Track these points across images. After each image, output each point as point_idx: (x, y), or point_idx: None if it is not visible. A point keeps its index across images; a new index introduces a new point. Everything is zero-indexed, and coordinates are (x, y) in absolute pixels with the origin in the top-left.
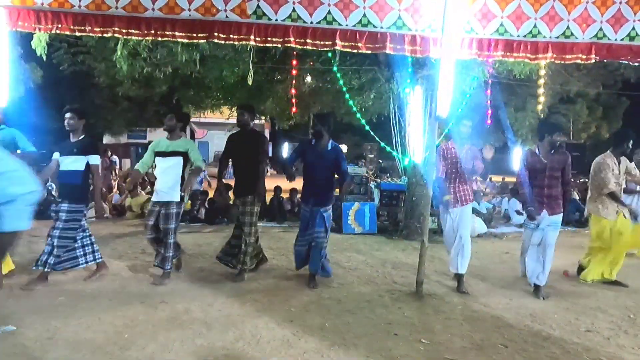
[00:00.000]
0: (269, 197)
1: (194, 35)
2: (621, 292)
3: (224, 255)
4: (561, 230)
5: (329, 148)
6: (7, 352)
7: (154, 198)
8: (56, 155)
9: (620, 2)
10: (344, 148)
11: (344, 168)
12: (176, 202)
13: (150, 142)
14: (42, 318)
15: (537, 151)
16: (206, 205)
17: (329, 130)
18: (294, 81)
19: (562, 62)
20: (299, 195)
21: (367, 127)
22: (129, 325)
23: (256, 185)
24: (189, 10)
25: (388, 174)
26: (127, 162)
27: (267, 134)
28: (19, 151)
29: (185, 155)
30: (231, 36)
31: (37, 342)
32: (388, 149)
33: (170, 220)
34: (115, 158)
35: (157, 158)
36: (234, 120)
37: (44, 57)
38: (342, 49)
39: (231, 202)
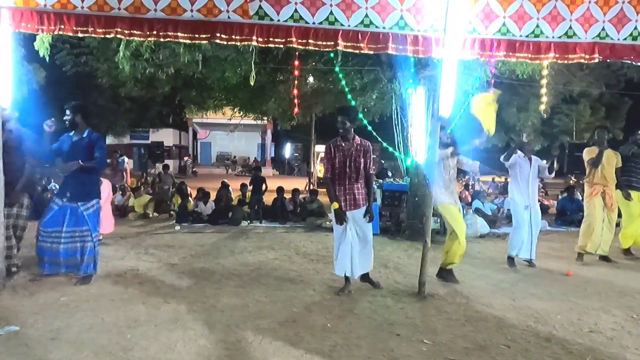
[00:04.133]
0: (271, 197)
1: (196, 36)
2: (625, 292)
3: None
4: (565, 230)
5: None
6: (10, 352)
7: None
8: None
9: (623, 2)
10: None
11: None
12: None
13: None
14: (45, 318)
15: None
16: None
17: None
18: (296, 82)
19: (565, 62)
20: (301, 196)
21: (370, 128)
22: (131, 326)
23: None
24: (191, 11)
25: (391, 174)
26: (129, 163)
27: (269, 134)
28: None
29: None
30: (233, 37)
31: (40, 343)
32: (390, 149)
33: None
34: (124, 159)
35: None
36: (236, 121)
37: (47, 58)
38: (345, 50)
39: (233, 203)
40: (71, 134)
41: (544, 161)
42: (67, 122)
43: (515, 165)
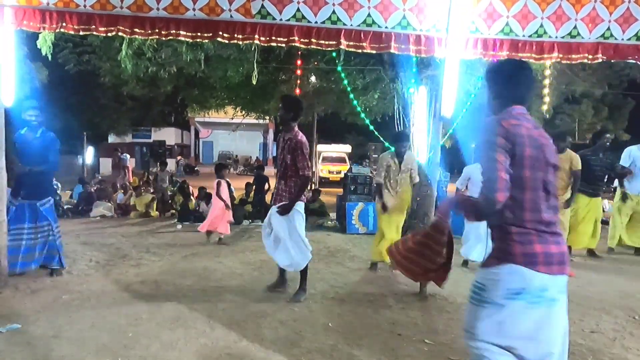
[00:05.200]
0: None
1: (199, 34)
2: (627, 293)
3: None
4: None
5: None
6: (12, 349)
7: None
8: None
9: (629, 2)
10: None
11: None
12: None
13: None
14: (47, 316)
15: None
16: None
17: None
18: (298, 81)
19: (568, 62)
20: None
21: (371, 127)
22: (133, 324)
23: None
24: (194, 10)
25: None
26: (132, 162)
27: (271, 133)
28: None
29: None
30: (236, 36)
31: (41, 340)
32: (392, 149)
33: None
34: (126, 156)
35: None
36: (237, 120)
37: (50, 57)
38: (347, 49)
39: (235, 203)
40: (23, 131)
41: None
42: (32, 121)
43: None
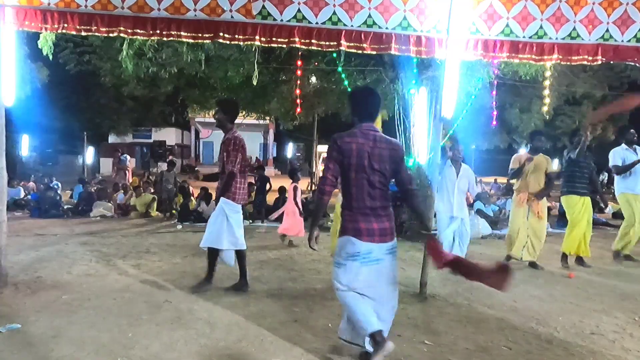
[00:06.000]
0: (273, 197)
1: (200, 35)
2: (627, 294)
3: None
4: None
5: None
6: (11, 350)
7: None
8: None
9: (627, 4)
10: None
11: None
12: None
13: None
14: (47, 316)
15: None
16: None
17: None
18: (298, 81)
19: (568, 63)
20: (303, 196)
21: None
22: (132, 324)
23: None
24: (195, 10)
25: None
26: (132, 162)
27: (271, 134)
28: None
29: None
30: (236, 36)
31: (41, 340)
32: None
33: None
34: (126, 157)
35: None
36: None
37: (50, 57)
38: (347, 50)
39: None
40: None
41: (474, 176)
42: None
43: (442, 174)
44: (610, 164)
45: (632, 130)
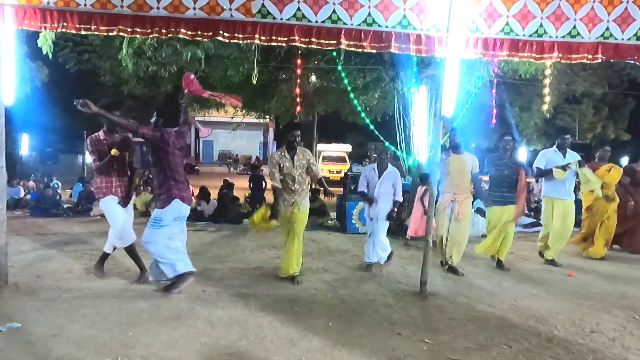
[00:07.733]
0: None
1: (199, 34)
2: (627, 293)
3: None
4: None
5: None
6: (12, 349)
7: None
8: None
9: (627, 2)
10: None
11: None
12: None
13: None
14: (47, 315)
15: None
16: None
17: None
18: (298, 80)
19: (568, 61)
20: None
21: (372, 127)
22: (133, 323)
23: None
24: (194, 9)
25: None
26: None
27: (271, 133)
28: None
29: None
30: (236, 35)
31: (41, 340)
32: (392, 148)
33: None
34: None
35: None
36: (238, 119)
37: (50, 56)
38: (347, 48)
39: (240, 203)
40: None
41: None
42: None
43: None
44: (534, 164)
45: (567, 136)
